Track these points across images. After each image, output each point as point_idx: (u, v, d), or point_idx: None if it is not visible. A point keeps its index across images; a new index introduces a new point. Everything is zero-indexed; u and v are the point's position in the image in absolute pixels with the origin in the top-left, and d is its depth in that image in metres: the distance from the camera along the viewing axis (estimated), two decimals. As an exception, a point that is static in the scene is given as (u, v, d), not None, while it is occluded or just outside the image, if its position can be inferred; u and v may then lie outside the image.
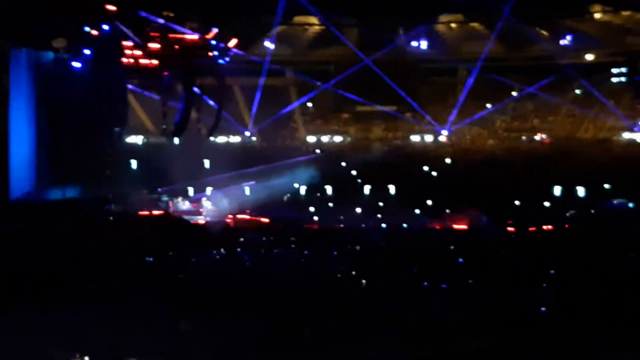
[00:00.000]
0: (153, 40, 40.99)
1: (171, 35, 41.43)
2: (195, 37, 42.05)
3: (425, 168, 50.62)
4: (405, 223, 41.49)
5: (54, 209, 36.91)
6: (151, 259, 30.46)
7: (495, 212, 42.44)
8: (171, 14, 40.37)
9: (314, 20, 55.01)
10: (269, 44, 52.10)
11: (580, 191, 47.07)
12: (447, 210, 44.22)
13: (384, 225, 42.22)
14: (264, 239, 37.49)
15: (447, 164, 51.17)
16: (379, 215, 44.07)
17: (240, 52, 46.08)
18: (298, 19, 54.83)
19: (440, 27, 55.27)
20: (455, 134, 53.96)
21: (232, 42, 43.36)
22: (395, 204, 45.73)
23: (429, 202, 45.79)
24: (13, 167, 36.83)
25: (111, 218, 39.02)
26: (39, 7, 34.87)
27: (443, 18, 54.62)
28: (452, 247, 31.95)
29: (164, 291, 23.01)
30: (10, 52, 36.62)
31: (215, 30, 42.51)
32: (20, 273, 24.26)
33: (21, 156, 37.22)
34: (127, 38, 39.84)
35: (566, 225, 41.78)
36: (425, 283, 24.47)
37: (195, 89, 44.13)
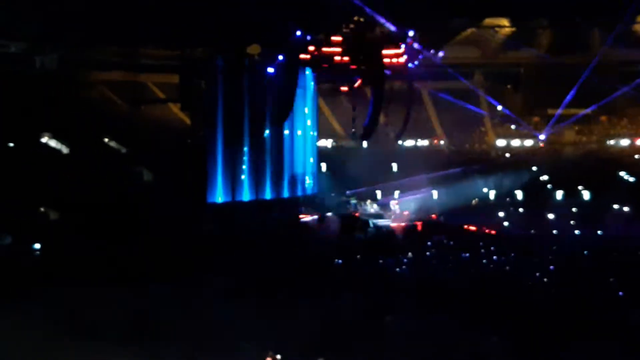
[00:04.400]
0: (344, 45, 41.56)
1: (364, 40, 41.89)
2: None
3: (622, 173, 48.70)
4: (600, 230, 40.17)
5: (248, 211, 38.14)
6: (340, 261, 31.04)
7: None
8: (362, 19, 40.81)
9: (504, 22, 54.12)
10: (457, 47, 51.66)
11: None
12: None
13: (577, 231, 41.05)
14: (451, 242, 37.40)
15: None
16: (572, 222, 42.86)
17: (428, 55, 45.98)
18: (488, 21, 54.13)
19: (639, 28, 52.92)
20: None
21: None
22: (589, 210, 44.21)
23: (625, 209, 44.02)
24: (210, 170, 38.21)
25: (301, 219, 40.01)
26: (236, 16, 36.10)
27: (640, 18, 52.34)
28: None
29: (357, 293, 23.36)
30: (209, 59, 38.01)
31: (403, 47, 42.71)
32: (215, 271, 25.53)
33: (216, 160, 38.55)
34: (318, 43, 40.61)
35: None
36: (621, 293, 23.66)
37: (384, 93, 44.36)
